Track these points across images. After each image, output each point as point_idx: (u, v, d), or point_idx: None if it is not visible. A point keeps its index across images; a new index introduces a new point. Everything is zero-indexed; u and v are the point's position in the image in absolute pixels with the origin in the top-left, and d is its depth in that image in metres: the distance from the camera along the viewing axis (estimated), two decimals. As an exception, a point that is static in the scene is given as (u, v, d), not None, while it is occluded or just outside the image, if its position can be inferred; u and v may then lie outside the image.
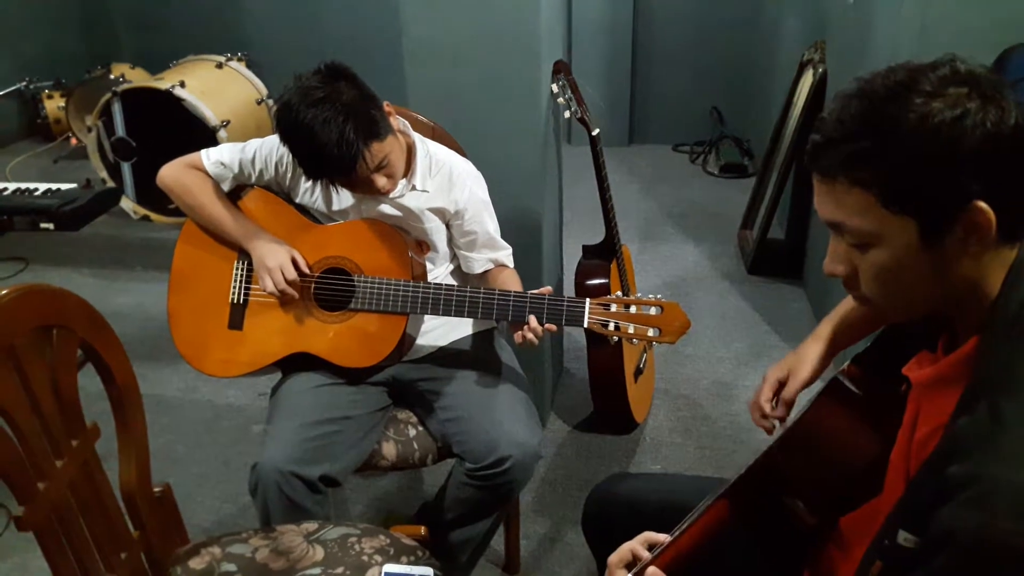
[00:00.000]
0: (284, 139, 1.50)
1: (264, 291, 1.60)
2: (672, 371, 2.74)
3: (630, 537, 1.06)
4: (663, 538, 1.04)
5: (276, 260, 1.59)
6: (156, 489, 1.33)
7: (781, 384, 1.27)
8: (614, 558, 1.04)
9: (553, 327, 1.50)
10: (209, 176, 1.68)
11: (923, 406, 0.92)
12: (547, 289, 1.53)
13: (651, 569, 0.99)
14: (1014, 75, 2.06)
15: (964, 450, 0.78)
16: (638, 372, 2.42)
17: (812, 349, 1.27)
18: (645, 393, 2.53)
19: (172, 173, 1.70)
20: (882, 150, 0.79)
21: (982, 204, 0.78)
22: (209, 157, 1.68)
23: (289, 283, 1.58)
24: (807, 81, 3.20)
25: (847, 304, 1.28)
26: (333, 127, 1.41)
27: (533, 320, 1.49)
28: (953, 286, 0.84)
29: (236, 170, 1.68)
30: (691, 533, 1.03)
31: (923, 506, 0.80)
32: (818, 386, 1.12)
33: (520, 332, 1.50)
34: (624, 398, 2.32)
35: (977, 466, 0.76)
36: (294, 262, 1.60)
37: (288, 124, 1.46)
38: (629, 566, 1.03)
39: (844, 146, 0.81)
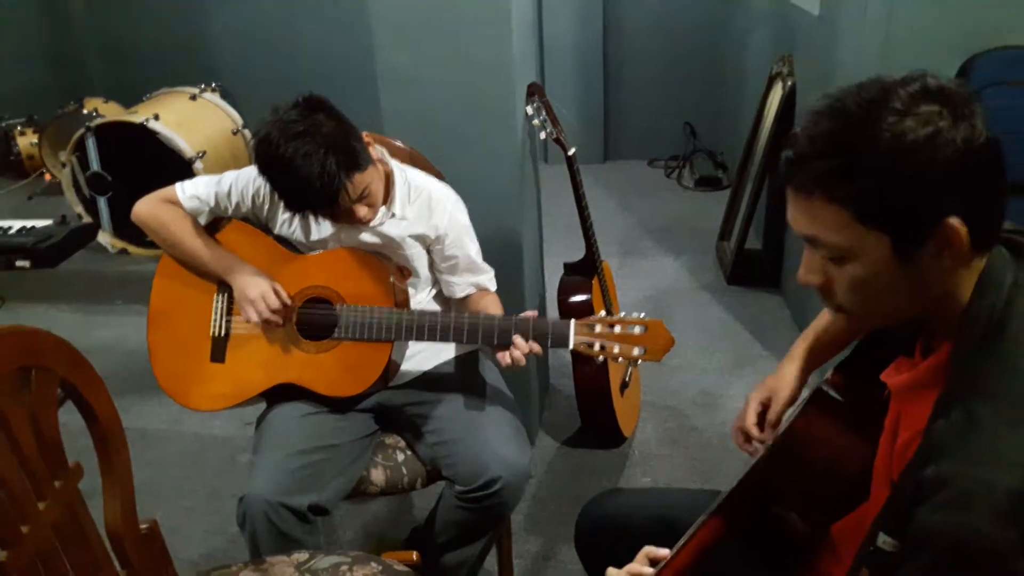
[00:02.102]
0: (264, 173, 1.49)
1: (248, 322, 1.60)
2: (657, 383, 2.75)
3: (622, 552, 1.07)
4: (664, 552, 1.04)
5: (258, 290, 1.58)
6: (143, 526, 1.32)
7: (764, 407, 1.29)
8: None
9: (538, 348, 1.50)
10: (185, 210, 1.67)
11: (903, 411, 0.93)
12: (532, 313, 1.53)
13: None
14: (978, 83, 2.11)
15: (940, 453, 0.79)
16: (624, 386, 2.43)
17: (789, 369, 1.29)
18: (632, 407, 2.54)
19: (147, 208, 1.69)
20: (858, 169, 0.80)
21: (954, 220, 0.79)
22: (184, 191, 1.67)
23: (273, 312, 1.58)
24: (776, 94, 3.25)
25: (821, 322, 1.30)
26: (314, 160, 1.41)
27: (519, 339, 1.49)
28: (927, 296, 0.86)
29: (212, 203, 1.67)
30: (688, 551, 1.03)
31: (903, 510, 0.81)
32: (804, 395, 1.13)
33: (507, 353, 1.50)
34: (611, 413, 2.32)
35: (951, 468, 0.77)
36: (275, 292, 1.59)
37: (268, 158, 1.45)
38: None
39: (818, 163, 0.82)
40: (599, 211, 4.00)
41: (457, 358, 1.76)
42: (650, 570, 1.03)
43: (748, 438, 1.28)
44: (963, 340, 0.83)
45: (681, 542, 1.04)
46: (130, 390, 2.68)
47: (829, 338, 1.28)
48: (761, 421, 1.28)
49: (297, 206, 1.51)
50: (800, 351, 1.30)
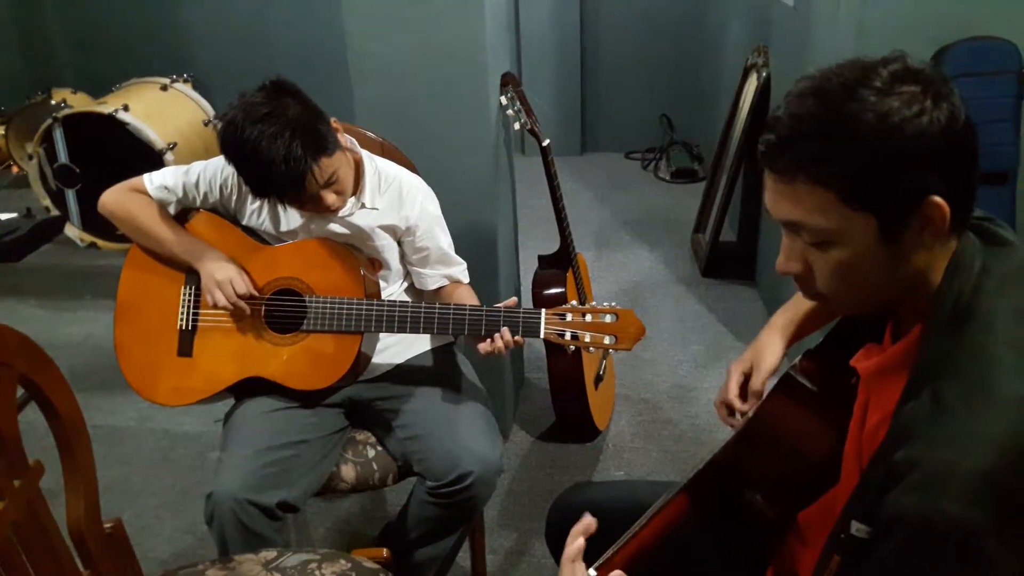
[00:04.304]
0: (230, 157, 1.47)
1: (215, 306, 1.56)
2: (632, 376, 2.75)
3: (592, 544, 1.05)
4: (589, 520, 1.02)
5: (225, 274, 1.55)
6: (107, 525, 1.29)
7: (745, 377, 1.28)
8: (569, 552, 1.01)
9: (520, 340, 1.49)
10: (153, 199, 1.64)
11: (872, 396, 0.93)
12: (512, 300, 1.52)
13: (615, 573, 0.98)
14: (948, 73, 2.13)
15: (909, 436, 0.79)
16: (598, 379, 2.43)
17: (771, 339, 1.28)
18: (606, 400, 2.54)
19: (114, 198, 1.66)
20: (843, 149, 0.79)
21: (938, 199, 0.80)
22: (152, 181, 1.64)
23: (240, 296, 1.55)
24: (752, 85, 3.26)
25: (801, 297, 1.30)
26: (280, 143, 1.39)
27: (507, 332, 1.48)
28: (905, 278, 0.86)
29: (180, 194, 1.64)
30: (653, 526, 1.03)
31: (874, 495, 0.81)
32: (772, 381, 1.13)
33: (489, 342, 1.48)
34: (585, 406, 2.32)
35: (921, 450, 0.77)
36: (243, 278, 1.56)
37: (233, 142, 1.43)
38: (594, 559, 1.02)
39: (802, 145, 0.81)
40: (576, 203, 4.02)
41: (428, 351, 1.75)
42: (580, 541, 0.99)
43: (732, 411, 1.27)
44: (932, 323, 0.84)
45: (645, 518, 1.04)
46: (99, 387, 2.64)
47: (813, 311, 1.28)
48: (744, 392, 1.27)
49: (263, 191, 1.49)
50: (781, 322, 1.29)
